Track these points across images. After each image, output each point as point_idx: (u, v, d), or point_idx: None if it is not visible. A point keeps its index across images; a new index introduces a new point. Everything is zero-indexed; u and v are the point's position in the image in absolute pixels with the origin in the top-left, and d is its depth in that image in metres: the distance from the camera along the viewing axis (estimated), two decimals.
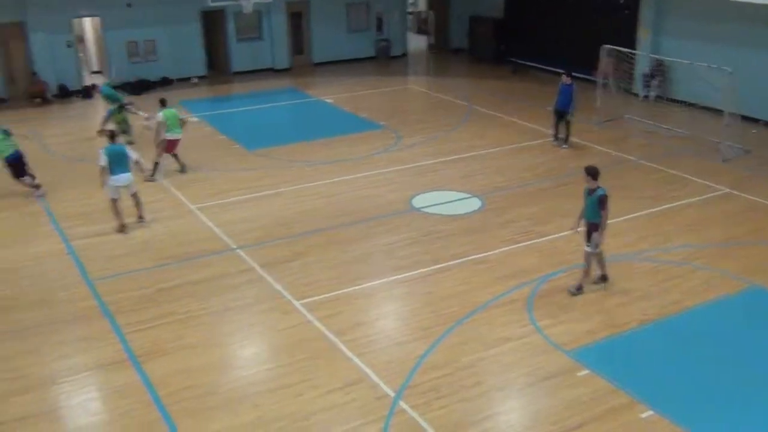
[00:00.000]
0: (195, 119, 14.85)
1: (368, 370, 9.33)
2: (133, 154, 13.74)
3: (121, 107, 18.16)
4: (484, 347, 9.81)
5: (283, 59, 27.85)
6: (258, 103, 23.07)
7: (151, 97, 23.76)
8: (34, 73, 23.21)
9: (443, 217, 14.04)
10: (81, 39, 27.13)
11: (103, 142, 14.83)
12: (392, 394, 8.87)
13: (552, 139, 18.26)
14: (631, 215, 13.98)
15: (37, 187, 15.34)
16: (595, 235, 10.82)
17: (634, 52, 21.56)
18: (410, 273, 11.88)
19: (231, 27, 26.82)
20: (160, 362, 9.57)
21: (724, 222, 13.74)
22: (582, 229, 11.13)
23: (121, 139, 15.43)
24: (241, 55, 27.26)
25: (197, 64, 26.33)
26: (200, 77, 26.23)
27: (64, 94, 23.95)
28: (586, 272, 11.16)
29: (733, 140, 17.48)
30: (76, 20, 25.27)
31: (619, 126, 20.04)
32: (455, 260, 12.26)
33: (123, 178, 13.46)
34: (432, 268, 12.04)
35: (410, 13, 34.48)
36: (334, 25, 28.72)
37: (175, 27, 25.57)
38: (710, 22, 20.66)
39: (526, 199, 14.82)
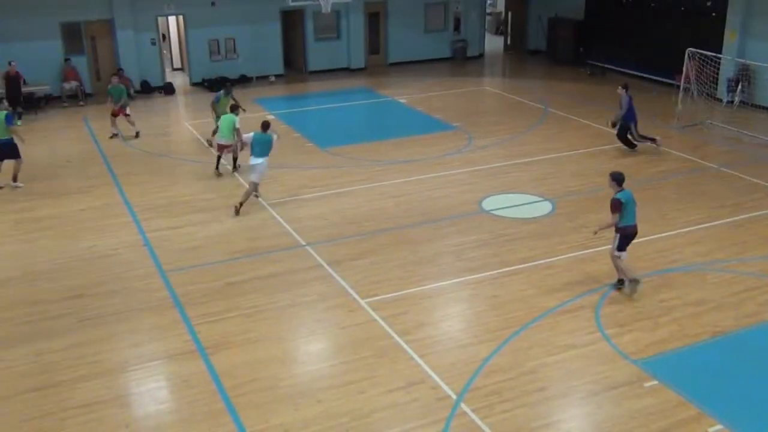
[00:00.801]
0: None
1: (431, 371, 9.32)
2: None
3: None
4: (549, 353, 9.68)
5: (359, 59, 28.06)
6: (332, 102, 23.33)
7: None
8: (120, 69, 24.02)
9: (513, 219, 13.91)
10: (164, 37, 27.95)
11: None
12: (454, 396, 8.84)
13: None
14: (709, 224, 13.56)
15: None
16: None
17: (719, 56, 20.90)
18: (477, 275, 11.81)
19: (309, 26, 27.18)
20: (226, 354, 9.77)
21: None
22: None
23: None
24: (318, 54, 27.60)
25: (275, 62, 26.77)
26: (277, 76, 26.66)
27: (147, 90, 24.75)
28: (622, 271, 11.21)
29: None
30: (160, 18, 26.05)
31: (701, 132, 19.45)
32: (523, 264, 12.13)
33: (256, 162, 14.51)
34: (500, 271, 11.94)
35: (489, 14, 34.23)
36: (411, 26, 28.77)
37: (255, 26, 26.07)
38: None
39: (598, 205, 14.48)
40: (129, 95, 20.99)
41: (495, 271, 11.91)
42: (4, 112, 15.88)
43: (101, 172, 16.89)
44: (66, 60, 23.54)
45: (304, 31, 27.20)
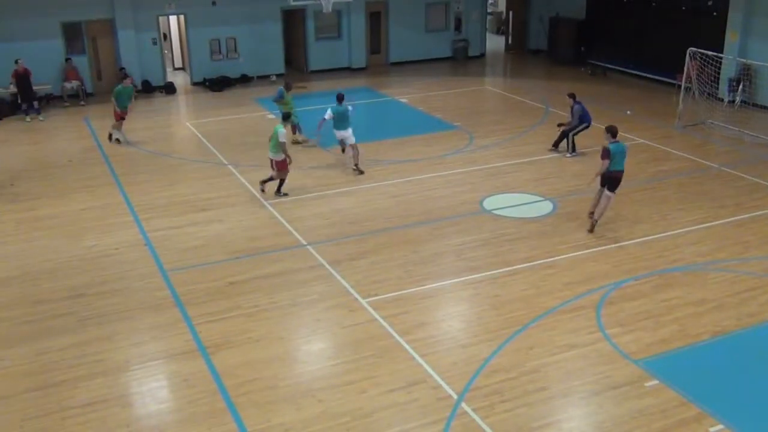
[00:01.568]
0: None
1: (431, 371, 9.32)
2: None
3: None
4: (550, 353, 9.68)
5: (360, 58, 28.06)
6: (333, 101, 23.28)
7: (232, 94, 24.42)
8: (121, 69, 24.01)
9: (514, 219, 13.91)
10: (165, 36, 27.95)
11: None
12: (455, 396, 8.84)
13: None
14: (710, 224, 13.56)
15: None
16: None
17: (720, 55, 20.89)
18: (478, 275, 11.81)
19: (310, 26, 27.19)
20: (227, 354, 9.78)
21: None
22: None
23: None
24: (318, 53, 27.61)
25: (276, 62, 26.77)
26: (278, 75, 26.65)
27: (148, 89, 24.75)
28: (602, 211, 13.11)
29: None
30: (161, 18, 26.05)
31: (702, 131, 19.45)
32: (524, 264, 12.13)
33: (342, 134, 16.28)
34: (501, 270, 11.93)
35: (490, 14, 34.23)
36: (412, 25, 28.76)
37: (257, 25, 26.07)
38: None
39: None
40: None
41: (496, 271, 11.91)
42: None
43: (102, 172, 16.89)
44: (67, 60, 23.54)
45: (305, 31, 27.21)
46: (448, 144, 18.58)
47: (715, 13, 22.72)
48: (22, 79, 21.14)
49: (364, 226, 13.73)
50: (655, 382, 9.02)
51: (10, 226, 14.04)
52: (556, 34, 28.96)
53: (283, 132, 14.59)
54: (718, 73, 21.41)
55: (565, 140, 17.61)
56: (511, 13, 32.20)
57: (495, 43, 32.78)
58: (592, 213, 13.34)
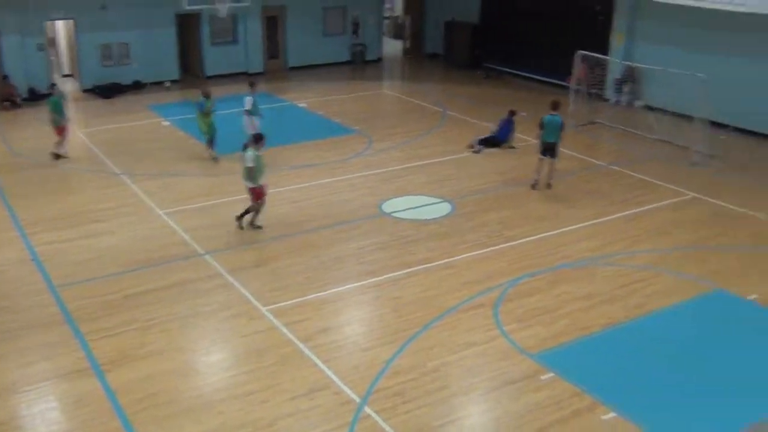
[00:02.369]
0: None
1: (334, 376, 9.32)
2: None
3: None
4: (449, 352, 9.84)
5: (257, 63, 27.77)
6: (230, 107, 22.93)
7: (124, 101, 23.72)
8: (5, 77, 22.95)
9: (413, 221, 14.06)
10: (53, 42, 26.89)
11: None
12: (357, 400, 8.86)
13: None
14: (599, 220, 14.10)
15: None
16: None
17: (607, 57, 21.74)
18: (378, 278, 11.88)
19: (206, 30, 26.71)
20: (123, 369, 9.48)
21: (690, 227, 13.90)
22: None
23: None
24: (215, 58, 27.14)
25: (171, 67, 26.17)
26: (173, 81, 26.08)
27: (34, 97, 23.69)
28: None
29: (702, 146, 17.65)
30: (48, 23, 25.03)
31: (591, 131, 20.19)
32: (423, 265, 12.29)
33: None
34: (400, 273, 12.04)
35: (387, 18, 34.52)
36: (309, 29, 28.67)
37: (150, 30, 25.39)
38: (682, 28, 20.86)
39: (496, 204, 14.89)
40: (14, 103, 20.06)
41: (396, 273, 12.01)
42: None
43: None
44: None
45: (201, 36, 26.71)
46: (347, 148, 18.62)
47: (601, 17, 23.61)
48: None
49: (263, 232, 13.58)
50: (551, 374, 9.30)
51: None
52: (452, 38, 29.46)
53: (251, 156, 13.12)
54: (605, 75, 22.29)
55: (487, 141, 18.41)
56: (408, 17, 32.56)
57: (392, 47, 33.08)
58: (535, 182, 15.59)
